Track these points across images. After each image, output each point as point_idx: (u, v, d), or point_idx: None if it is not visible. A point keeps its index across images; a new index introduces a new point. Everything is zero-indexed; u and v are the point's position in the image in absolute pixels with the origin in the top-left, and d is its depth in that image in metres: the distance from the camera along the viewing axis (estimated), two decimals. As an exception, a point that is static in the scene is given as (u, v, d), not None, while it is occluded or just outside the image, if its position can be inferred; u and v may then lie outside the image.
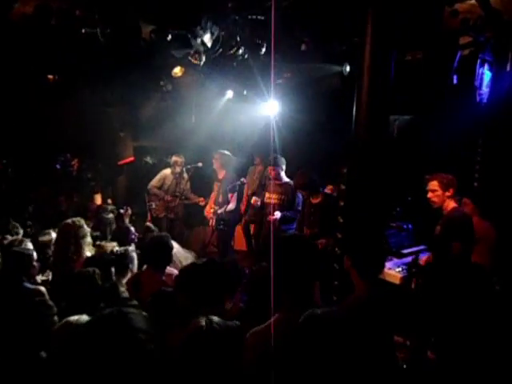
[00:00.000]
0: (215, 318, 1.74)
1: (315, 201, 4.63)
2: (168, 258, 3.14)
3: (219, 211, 5.50)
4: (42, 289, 2.51)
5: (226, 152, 5.75)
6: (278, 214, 4.81)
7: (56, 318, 2.07)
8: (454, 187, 3.46)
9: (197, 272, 2.26)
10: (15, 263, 2.64)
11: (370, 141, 2.94)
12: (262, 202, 5.13)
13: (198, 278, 2.22)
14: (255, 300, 2.49)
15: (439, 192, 3.46)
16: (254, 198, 5.23)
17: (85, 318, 1.99)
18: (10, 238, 3.43)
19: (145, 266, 3.16)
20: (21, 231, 3.90)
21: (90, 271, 2.52)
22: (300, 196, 4.96)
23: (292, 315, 1.63)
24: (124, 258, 3.11)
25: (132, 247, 3.33)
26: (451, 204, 3.47)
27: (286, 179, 5.07)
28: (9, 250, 2.88)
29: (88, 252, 3.31)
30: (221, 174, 5.71)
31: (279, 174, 5.03)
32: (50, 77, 5.00)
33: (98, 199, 5.97)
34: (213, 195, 5.79)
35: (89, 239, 3.40)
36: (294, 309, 1.65)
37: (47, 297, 2.34)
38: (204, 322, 1.68)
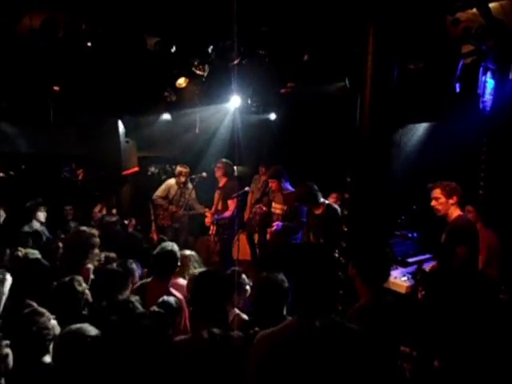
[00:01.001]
0: (217, 330, 1.71)
1: (317, 211, 4.61)
2: (173, 267, 3.15)
3: (217, 217, 5.54)
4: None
5: (229, 161, 5.81)
6: (278, 225, 4.81)
7: (51, 323, 2.07)
8: (457, 194, 3.44)
9: (199, 282, 2.24)
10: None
11: (373, 149, 2.95)
12: (269, 211, 5.14)
13: (199, 287, 2.19)
14: (261, 309, 2.48)
15: (443, 200, 3.44)
16: (258, 206, 5.24)
17: (87, 326, 1.99)
18: (23, 250, 3.43)
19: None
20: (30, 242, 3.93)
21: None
22: (304, 207, 4.95)
23: (308, 322, 1.64)
24: (125, 271, 3.11)
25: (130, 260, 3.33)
26: (456, 212, 3.44)
27: (290, 189, 5.07)
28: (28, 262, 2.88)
29: (90, 264, 3.29)
30: (221, 182, 5.75)
31: (280, 185, 5.01)
32: (56, 88, 5.07)
33: (103, 209, 5.99)
34: (215, 204, 5.83)
35: (97, 250, 3.40)
36: (311, 316, 1.66)
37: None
38: (207, 334, 1.64)
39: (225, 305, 2.18)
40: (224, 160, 5.79)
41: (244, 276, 3.06)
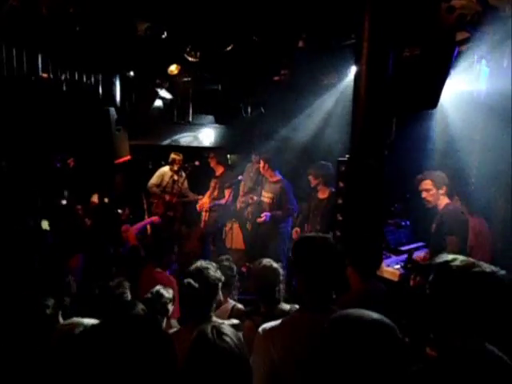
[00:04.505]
0: (225, 328, 1.37)
1: (322, 196, 4.66)
2: (170, 257, 3.17)
3: (213, 203, 5.57)
4: None
5: (221, 150, 5.84)
6: (266, 216, 4.85)
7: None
8: (446, 185, 3.49)
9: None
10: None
11: (368, 138, 2.93)
12: (260, 200, 5.16)
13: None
14: (257, 297, 2.49)
15: (433, 191, 3.50)
16: (250, 196, 5.27)
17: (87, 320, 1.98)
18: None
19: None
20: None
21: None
22: (292, 195, 4.98)
23: (315, 315, 1.61)
24: None
25: None
26: (444, 201, 3.51)
27: (278, 176, 5.08)
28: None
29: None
30: (219, 171, 5.78)
31: (268, 169, 5.02)
32: (44, 75, 4.95)
33: (95, 198, 5.94)
34: (208, 192, 5.83)
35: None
36: (316, 309, 1.64)
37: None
38: (209, 331, 1.34)
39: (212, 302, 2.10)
40: (214, 150, 5.87)
41: (234, 266, 3.05)
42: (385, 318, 1.20)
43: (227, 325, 1.41)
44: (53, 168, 6.04)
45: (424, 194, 3.55)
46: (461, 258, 1.39)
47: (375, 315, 1.20)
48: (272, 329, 1.66)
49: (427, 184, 3.52)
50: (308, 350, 1.44)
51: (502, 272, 1.32)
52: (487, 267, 1.33)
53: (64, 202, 5.40)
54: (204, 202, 5.79)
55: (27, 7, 3.44)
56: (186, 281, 2.00)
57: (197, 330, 1.33)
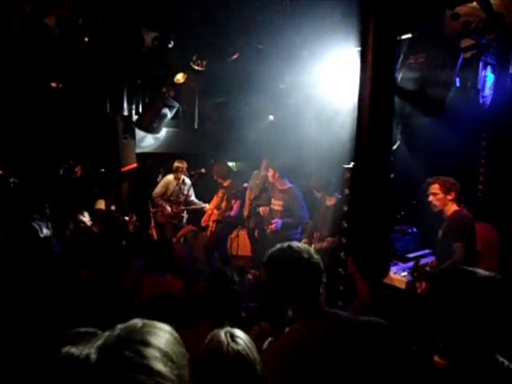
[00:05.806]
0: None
1: (329, 203, 4.66)
2: (171, 263, 3.16)
3: (222, 216, 5.55)
4: None
5: (225, 162, 5.82)
6: (277, 223, 4.83)
7: None
8: (455, 191, 3.45)
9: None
10: None
11: (373, 145, 2.93)
12: (269, 208, 5.14)
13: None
14: (263, 304, 2.49)
15: (441, 195, 3.46)
16: (262, 209, 5.24)
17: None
18: None
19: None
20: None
21: None
22: (303, 203, 4.98)
23: (311, 324, 1.61)
24: None
25: None
26: (453, 207, 3.46)
27: (288, 185, 5.07)
28: None
29: None
30: (226, 183, 5.74)
31: (278, 177, 5.02)
32: (54, 84, 5.03)
33: (102, 205, 5.97)
34: (214, 201, 5.81)
35: None
36: (309, 318, 1.63)
37: None
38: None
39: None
40: (218, 163, 5.88)
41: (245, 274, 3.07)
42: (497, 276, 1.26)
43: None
44: (58, 176, 6.10)
45: (431, 198, 3.52)
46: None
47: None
48: (275, 347, 1.68)
49: (435, 188, 3.50)
50: (318, 356, 1.45)
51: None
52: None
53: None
54: (210, 212, 5.76)
55: (37, 17, 3.51)
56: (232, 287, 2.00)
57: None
